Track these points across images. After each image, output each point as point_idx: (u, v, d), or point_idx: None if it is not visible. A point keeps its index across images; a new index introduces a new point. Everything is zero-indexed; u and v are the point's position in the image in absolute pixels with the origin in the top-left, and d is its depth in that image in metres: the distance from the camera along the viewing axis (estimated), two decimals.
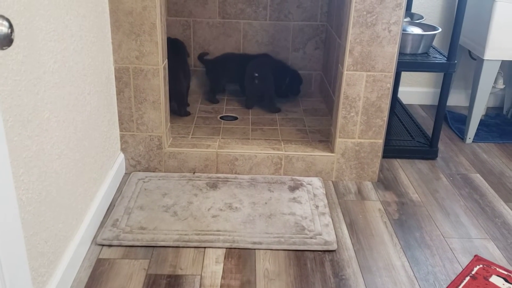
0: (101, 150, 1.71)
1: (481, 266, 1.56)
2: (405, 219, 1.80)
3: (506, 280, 1.49)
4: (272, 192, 1.92)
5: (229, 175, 2.03)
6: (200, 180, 1.98)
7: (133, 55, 1.83)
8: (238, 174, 2.05)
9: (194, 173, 2.04)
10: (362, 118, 1.97)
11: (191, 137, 2.14)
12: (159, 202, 1.81)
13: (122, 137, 1.97)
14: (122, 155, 1.98)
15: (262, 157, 2.03)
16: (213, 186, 1.95)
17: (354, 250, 1.62)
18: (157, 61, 1.84)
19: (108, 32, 1.77)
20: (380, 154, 2.03)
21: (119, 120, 1.93)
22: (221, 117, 2.40)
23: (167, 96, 2.00)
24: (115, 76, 1.86)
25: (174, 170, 2.04)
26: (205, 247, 1.58)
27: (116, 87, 1.88)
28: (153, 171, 2.03)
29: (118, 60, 1.84)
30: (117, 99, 1.90)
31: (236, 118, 2.40)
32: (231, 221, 1.72)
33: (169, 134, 2.08)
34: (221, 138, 2.15)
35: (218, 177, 2.01)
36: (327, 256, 1.58)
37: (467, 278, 1.50)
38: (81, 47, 1.48)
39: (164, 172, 2.04)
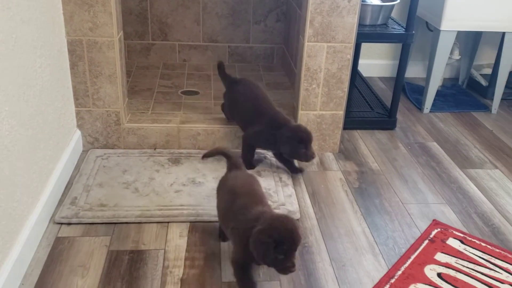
0: (56, 127, 1.65)
1: (438, 229, 1.61)
2: (365, 187, 1.84)
3: (462, 242, 1.55)
4: None
5: (191, 150, 2.01)
6: (161, 156, 1.95)
7: (86, 27, 1.75)
8: (201, 149, 2.02)
9: (155, 149, 2.00)
10: (323, 90, 1.98)
11: (151, 113, 2.09)
12: (119, 179, 1.77)
13: (78, 113, 1.90)
14: (78, 132, 1.92)
15: (224, 131, 2.01)
16: (176, 161, 1.92)
17: (317, 219, 1.64)
18: (111, 32, 1.77)
19: (59, 3, 1.69)
20: (341, 125, 2.05)
21: (74, 95, 1.86)
22: (182, 92, 2.35)
23: (123, 69, 1.93)
24: (68, 49, 1.78)
25: (134, 147, 1.99)
26: (168, 222, 1.56)
27: (70, 60, 1.80)
28: (112, 148, 1.98)
29: (70, 32, 1.75)
30: (71, 73, 1.82)
31: (197, 93, 2.36)
32: (195, 196, 1.70)
33: (127, 109, 2.02)
34: (183, 113, 2.11)
35: (180, 153, 1.98)
36: None
37: (426, 242, 1.55)
38: (29, 18, 1.40)
39: (124, 148, 1.98)
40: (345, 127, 2.19)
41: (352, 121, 2.28)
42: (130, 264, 1.38)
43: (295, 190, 1.78)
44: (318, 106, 2.00)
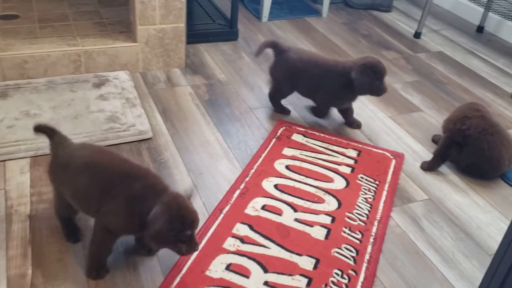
0: None
1: (284, 128, 1.74)
2: (214, 98, 1.87)
3: (304, 136, 1.70)
4: (75, 92, 1.77)
5: (20, 81, 1.78)
6: None
7: None
8: (32, 78, 1.81)
9: None
10: (160, 1, 1.88)
11: None
12: None
13: None
14: None
15: (57, 56, 1.82)
16: (2, 95, 1.69)
17: (170, 135, 1.63)
18: None
19: None
20: (183, 39, 2.00)
21: None
22: None
23: None
24: None
25: None
26: (4, 160, 1.41)
27: None
28: None
29: None
30: None
31: (17, 17, 2.06)
32: (31, 129, 1.53)
33: None
34: (2, 40, 1.84)
35: (7, 85, 1.75)
36: (143, 145, 1.56)
37: (273, 140, 1.66)
38: None
39: None
40: (189, 41, 2.14)
41: (195, 34, 2.24)
42: None
43: (144, 110, 1.72)
44: (157, 20, 1.91)
